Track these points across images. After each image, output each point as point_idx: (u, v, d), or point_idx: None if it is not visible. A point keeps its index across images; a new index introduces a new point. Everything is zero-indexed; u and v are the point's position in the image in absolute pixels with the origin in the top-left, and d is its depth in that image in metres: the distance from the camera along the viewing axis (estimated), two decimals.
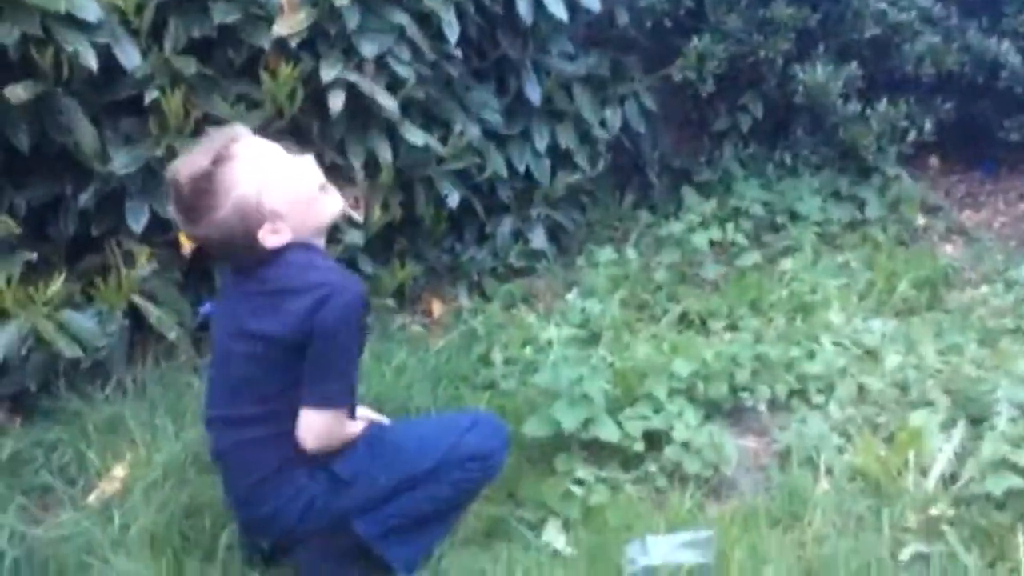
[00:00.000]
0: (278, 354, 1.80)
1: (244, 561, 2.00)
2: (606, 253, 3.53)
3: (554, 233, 3.64)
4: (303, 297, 1.77)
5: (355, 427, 1.94)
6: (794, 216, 3.77)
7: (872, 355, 2.82)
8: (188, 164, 1.77)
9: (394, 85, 2.87)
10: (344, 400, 1.88)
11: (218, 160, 1.75)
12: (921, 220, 3.87)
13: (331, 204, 1.91)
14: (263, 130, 2.63)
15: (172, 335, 2.52)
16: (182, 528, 2.08)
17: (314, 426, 1.83)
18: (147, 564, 1.98)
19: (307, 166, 1.88)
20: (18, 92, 2.31)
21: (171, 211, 1.86)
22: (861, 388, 2.64)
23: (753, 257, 3.52)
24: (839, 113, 3.83)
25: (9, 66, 2.31)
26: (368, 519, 1.91)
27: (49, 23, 2.29)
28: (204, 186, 1.75)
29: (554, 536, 2.14)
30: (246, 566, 2.00)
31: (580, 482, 2.27)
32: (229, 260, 1.92)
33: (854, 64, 3.83)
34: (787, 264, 3.43)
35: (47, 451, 2.32)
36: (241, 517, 1.97)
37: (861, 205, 3.86)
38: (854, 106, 3.84)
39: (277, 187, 1.79)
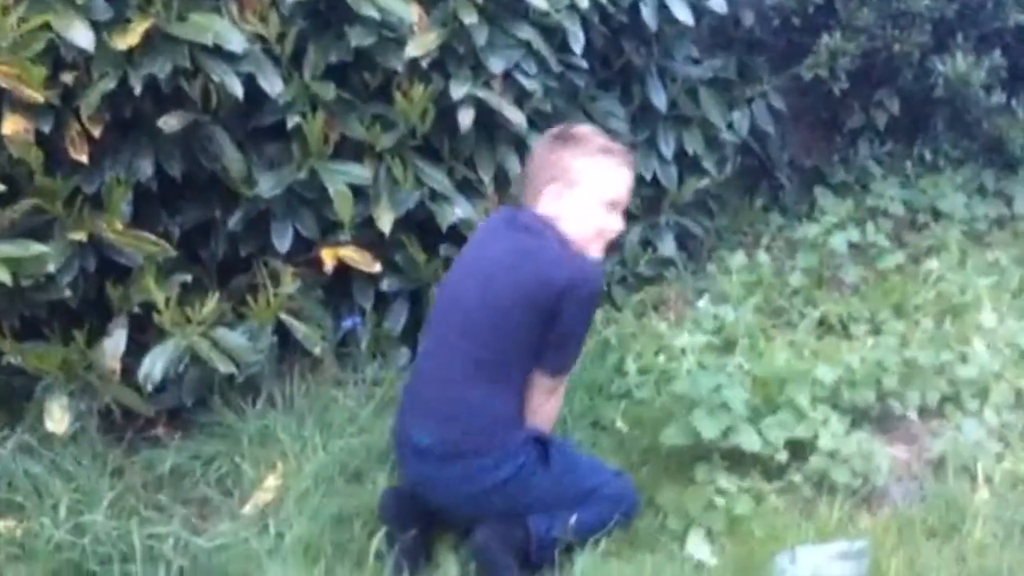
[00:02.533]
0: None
1: (393, 570, 2.06)
2: (737, 258, 3.46)
3: (683, 240, 3.58)
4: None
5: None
6: (937, 214, 3.62)
7: None
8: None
9: (521, 98, 2.90)
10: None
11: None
12: None
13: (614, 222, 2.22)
14: (398, 149, 2.72)
15: (317, 350, 2.60)
16: (333, 536, 2.16)
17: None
18: (301, 572, 2.06)
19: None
20: (171, 122, 2.43)
21: None
22: (1018, 392, 2.52)
23: (895, 258, 3.38)
24: (982, 105, 3.66)
25: (161, 98, 2.44)
26: (542, 520, 2.04)
27: (197, 55, 2.40)
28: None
29: (698, 547, 2.12)
30: (395, 573, 2.05)
31: (722, 492, 2.24)
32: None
33: (997, 53, 3.65)
34: (932, 264, 3.27)
35: (204, 463, 2.43)
36: (446, 475, 2.05)
37: (1009, 201, 3.69)
38: (998, 97, 3.65)
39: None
